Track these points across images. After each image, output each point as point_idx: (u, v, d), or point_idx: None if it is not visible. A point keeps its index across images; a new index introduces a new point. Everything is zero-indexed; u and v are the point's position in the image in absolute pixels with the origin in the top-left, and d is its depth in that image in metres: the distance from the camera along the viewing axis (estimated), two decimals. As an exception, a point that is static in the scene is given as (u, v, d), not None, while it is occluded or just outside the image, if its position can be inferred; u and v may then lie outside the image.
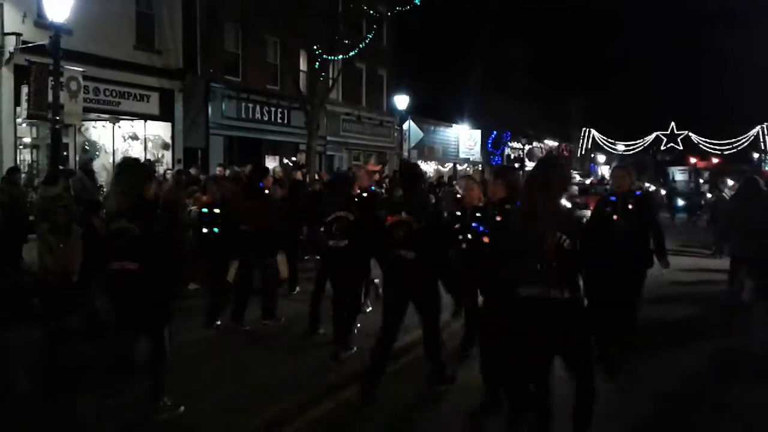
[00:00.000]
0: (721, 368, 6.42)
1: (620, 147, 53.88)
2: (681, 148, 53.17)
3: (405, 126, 26.76)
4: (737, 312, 8.40)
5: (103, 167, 16.71)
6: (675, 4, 70.10)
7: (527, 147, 42.47)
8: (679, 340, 7.48)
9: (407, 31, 28.81)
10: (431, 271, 5.09)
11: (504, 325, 3.98)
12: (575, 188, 25.52)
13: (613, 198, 6.57)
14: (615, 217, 6.33)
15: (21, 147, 15.44)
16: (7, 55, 14.00)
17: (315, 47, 20.15)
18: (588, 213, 8.04)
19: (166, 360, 4.82)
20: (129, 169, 4.88)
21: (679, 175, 34.19)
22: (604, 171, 57.21)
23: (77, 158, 16.32)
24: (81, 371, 5.87)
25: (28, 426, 4.85)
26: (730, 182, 13.95)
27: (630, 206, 6.34)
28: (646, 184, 20.51)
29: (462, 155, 35.34)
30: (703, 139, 52.22)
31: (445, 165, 34.55)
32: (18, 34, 13.98)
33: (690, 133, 52.28)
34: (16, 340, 6.97)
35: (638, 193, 6.68)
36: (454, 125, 34.77)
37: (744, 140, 49.61)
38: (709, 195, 22.65)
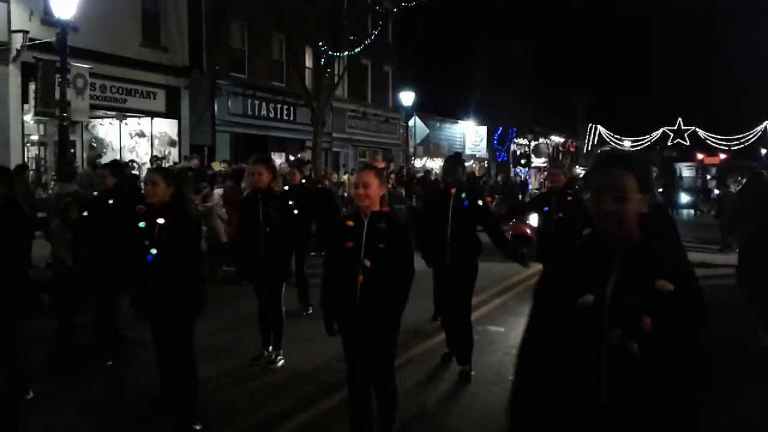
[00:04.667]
0: (724, 362, 6.41)
1: (627, 143, 53.68)
2: (688, 143, 53.00)
3: (411, 122, 26.76)
4: (744, 307, 8.38)
5: (110, 164, 16.78)
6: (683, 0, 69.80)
7: (533, 143, 42.38)
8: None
9: (413, 27, 28.77)
10: None
11: None
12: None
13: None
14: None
15: (28, 144, 15.52)
16: (14, 53, 14.05)
17: (320, 44, 20.17)
18: None
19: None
20: None
21: (686, 171, 34.10)
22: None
23: (84, 155, 16.42)
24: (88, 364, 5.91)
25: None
26: (738, 177, 13.93)
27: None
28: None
29: (468, 151, 35.27)
30: (711, 135, 52.02)
31: (451, 161, 34.52)
32: (25, 32, 14.03)
33: (697, 129, 52.11)
34: (24, 334, 7.03)
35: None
36: (459, 122, 34.73)
37: (751, 135, 49.39)
38: (716, 191, 22.61)
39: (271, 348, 6.13)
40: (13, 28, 14.03)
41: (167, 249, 4.42)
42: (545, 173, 23.73)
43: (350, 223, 4.08)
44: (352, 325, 4.03)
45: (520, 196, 22.97)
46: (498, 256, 6.51)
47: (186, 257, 4.51)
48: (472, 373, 5.89)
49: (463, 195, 5.94)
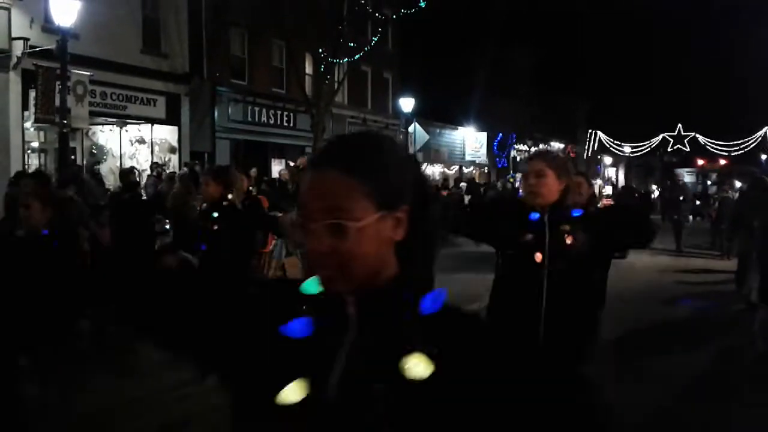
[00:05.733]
0: (724, 367, 6.40)
1: (627, 149, 53.74)
2: (688, 149, 53.02)
3: (411, 129, 26.75)
4: (744, 312, 8.38)
5: (110, 171, 16.81)
6: (682, 5, 70.11)
7: (533, 149, 42.38)
8: (685, 340, 7.46)
9: (412, 33, 28.88)
10: None
11: None
12: None
13: (534, 216, 3.14)
14: (539, 256, 3.09)
15: (29, 151, 15.53)
16: (14, 60, 14.07)
17: (320, 50, 20.21)
18: None
19: None
20: None
21: (686, 176, 34.14)
22: (611, 173, 57.18)
23: (84, 162, 16.43)
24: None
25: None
26: (738, 183, 13.93)
27: (568, 239, 3.06)
28: (653, 187, 20.07)
29: (468, 158, 35.34)
30: (711, 141, 52.05)
31: (451, 168, 34.56)
32: (25, 39, 14.04)
33: (697, 135, 52.12)
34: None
35: (576, 212, 3.16)
36: (459, 128, 34.77)
37: (752, 141, 49.41)
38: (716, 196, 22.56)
39: None
40: (13, 35, 14.03)
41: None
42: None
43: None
44: None
45: None
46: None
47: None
48: None
49: None
